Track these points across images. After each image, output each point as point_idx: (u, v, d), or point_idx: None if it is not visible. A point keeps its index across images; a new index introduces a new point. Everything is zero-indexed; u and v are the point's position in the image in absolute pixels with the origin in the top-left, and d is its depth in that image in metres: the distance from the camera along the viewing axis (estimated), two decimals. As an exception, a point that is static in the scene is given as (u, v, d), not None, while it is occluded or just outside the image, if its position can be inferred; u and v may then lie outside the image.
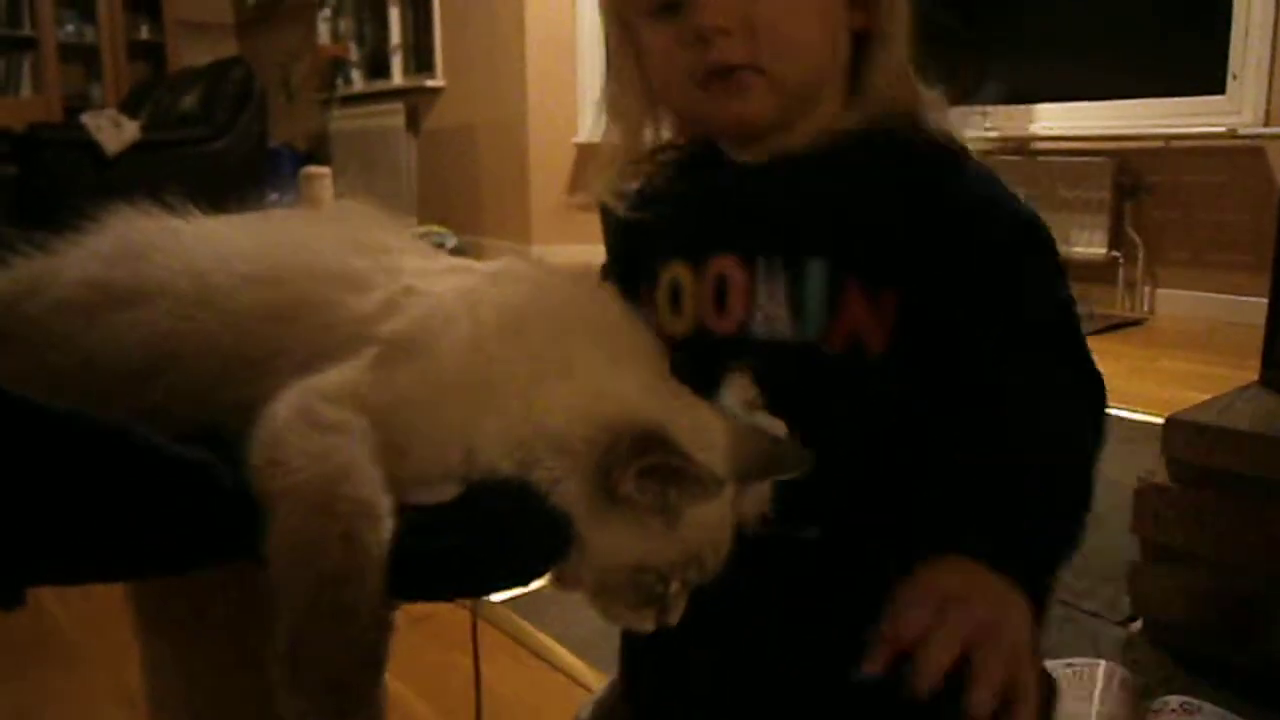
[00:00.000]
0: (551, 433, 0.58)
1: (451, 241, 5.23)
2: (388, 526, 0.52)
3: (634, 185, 0.82)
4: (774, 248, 0.71)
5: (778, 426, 0.66)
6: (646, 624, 0.62)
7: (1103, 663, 1.24)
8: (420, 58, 6.49)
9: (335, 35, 6.98)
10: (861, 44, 0.74)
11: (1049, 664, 1.12)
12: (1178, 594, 1.40)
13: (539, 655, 1.41)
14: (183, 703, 0.74)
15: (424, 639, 1.42)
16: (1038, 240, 0.71)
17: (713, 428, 0.62)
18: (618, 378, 0.61)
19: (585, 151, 5.32)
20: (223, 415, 0.56)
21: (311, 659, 0.49)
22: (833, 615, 0.69)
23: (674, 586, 0.61)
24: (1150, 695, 1.23)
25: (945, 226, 0.69)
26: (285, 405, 0.54)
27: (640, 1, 0.72)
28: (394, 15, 6.63)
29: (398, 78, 6.59)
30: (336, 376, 0.57)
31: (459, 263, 0.70)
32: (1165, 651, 1.40)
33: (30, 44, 7.39)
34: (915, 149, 0.72)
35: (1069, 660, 1.26)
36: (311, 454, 0.52)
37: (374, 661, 0.51)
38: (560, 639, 1.43)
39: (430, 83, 6.10)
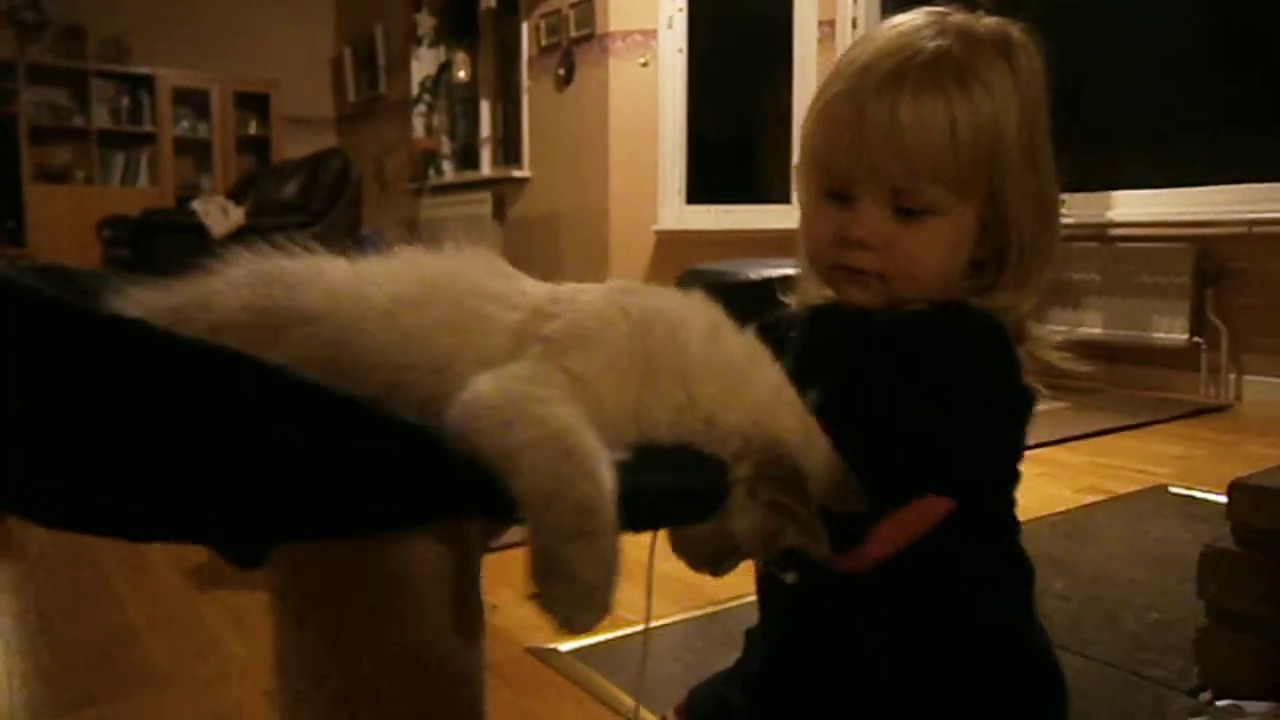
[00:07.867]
0: (709, 419, 0.71)
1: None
2: (612, 467, 0.62)
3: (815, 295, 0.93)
4: (803, 378, 0.81)
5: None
6: (704, 572, 0.80)
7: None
8: (508, 150, 6.78)
9: (429, 129, 7.34)
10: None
11: None
12: (1245, 660, 1.38)
13: (603, 701, 1.44)
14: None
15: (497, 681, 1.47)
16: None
17: (817, 448, 0.73)
18: (755, 387, 0.74)
19: (664, 239, 5.46)
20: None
21: (567, 573, 0.59)
22: (810, 649, 0.87)
23: (739, 553, 0.76)
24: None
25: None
26: (487, 387, 0.64)
27: (817, 181, 0.84)
28: (485, 110, 6.96)
29: (486, 169, 6.89)
30: (518, 367, 0.67)
31: (576, 285, 0.79)
32: None
33: (149, 139, 7.93)
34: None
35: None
36: (538, 416, 0.62)
37: (614, 569, 0.61)
38: (624, 687, 1.47)
39: (517, 173, 6.36)
